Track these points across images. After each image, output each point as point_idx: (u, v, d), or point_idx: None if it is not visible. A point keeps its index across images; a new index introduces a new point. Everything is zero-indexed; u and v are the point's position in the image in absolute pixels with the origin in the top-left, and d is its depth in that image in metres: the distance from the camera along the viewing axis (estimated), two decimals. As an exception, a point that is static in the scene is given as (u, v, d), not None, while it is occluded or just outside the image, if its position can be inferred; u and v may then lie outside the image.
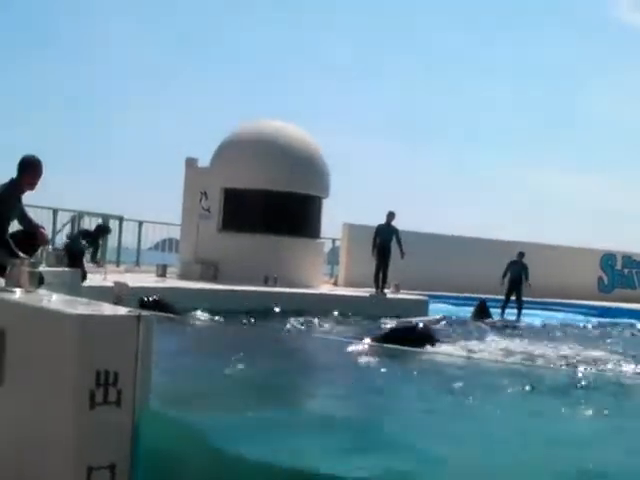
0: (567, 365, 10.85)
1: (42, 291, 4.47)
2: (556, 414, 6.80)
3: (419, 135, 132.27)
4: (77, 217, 22.04)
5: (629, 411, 7.10)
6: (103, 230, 17.64)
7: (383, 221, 20.34)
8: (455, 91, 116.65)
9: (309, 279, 20.48)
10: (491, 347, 12.32)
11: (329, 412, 6.49)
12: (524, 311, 21.09)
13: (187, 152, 22.55)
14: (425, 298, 20.03)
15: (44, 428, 3.47)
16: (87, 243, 15.84)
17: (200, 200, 20.93)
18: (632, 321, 20.63)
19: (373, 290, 19.96)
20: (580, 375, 9.02)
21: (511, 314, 20.80)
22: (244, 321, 13.37)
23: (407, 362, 9.47)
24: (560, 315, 22.45)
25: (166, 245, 26.99)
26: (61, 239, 20.23)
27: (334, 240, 26.82)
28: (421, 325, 12.31)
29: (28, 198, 9.15)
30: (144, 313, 3.48)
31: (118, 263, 23.21)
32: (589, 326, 19.50)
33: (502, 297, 21.15)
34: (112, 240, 21.60)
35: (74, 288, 10.94)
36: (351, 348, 10.48)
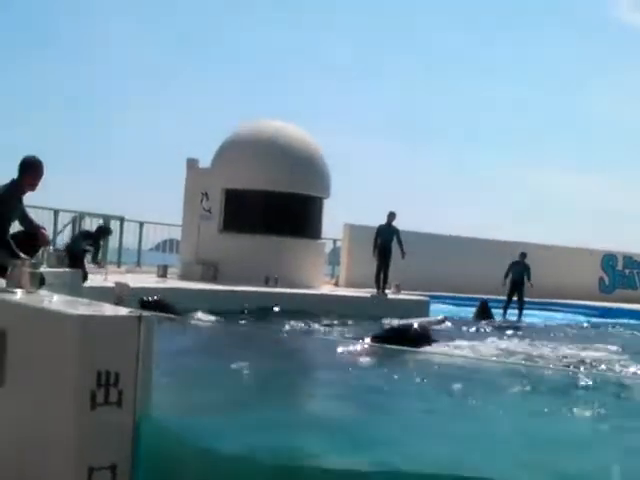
0: (567, 365, 10.85)
1: (43, 292, 4.47)
2: (554, 414, 6.80)
3: (419, 135, 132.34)
4: (78, 218, 22.06)
5: (629, 411, 7.10)
6: (104, 231, 17.63)
7: (384, 221, 20.33)
8: (455, 91, 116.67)
9: (310, 280, 20.47)
10: (491, 347, 12.31)
11: (325, 411, 6.50)
12: (525, 312, 21.08)
13: (188, 153, 22.55)
14: (426, 298, 20.02)
15: (45, 428, 3.47)
16: (88, 244, 15.83)
17: (201, 201, 20.93)
18: (632, 321, 20.63)
19: (374, 290, 19.96)
20: (580, 375, 9.03)
21: (513, 315, 20.80)
22: (242, 322, 13.41)
23: (404, 362, 9.47)
24: (561, 316, 22.47)
25: (167, 246, 27.00)
26: (62, 240, 20.26)
27: (335, 241, 26.83)
28: (416, 325, 12.31)
29: (29, 199, 9.16)
30: (145, 314, 3.49)
31: (119, 264, 23.22)
32: (590, 326, 19.50)
33: (503, 297, 21.15)
34: (113, 241, 21.61)
35: (75, 289, 10.94)
36: (348, 348, 10.50)
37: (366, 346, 10.63)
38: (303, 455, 4.52)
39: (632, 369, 10.74)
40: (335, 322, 15.07)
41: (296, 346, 10.85)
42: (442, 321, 16.69)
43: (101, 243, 17.02)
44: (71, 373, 3.33)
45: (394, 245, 20.03)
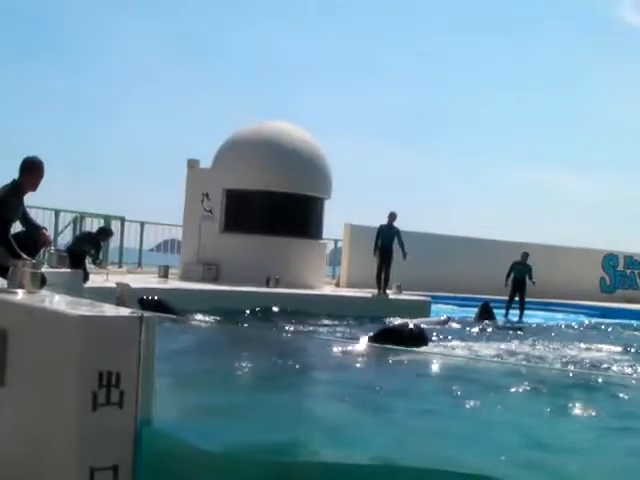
0: (565, 364, 10.85)
1: (44, 292, 4.47)
2: (553, 415, 6.79)
3: (421, 135, 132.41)
4: (79, 218, 22.07)
5: (630, 412, 7.09)
6: (105, 233, 17.64)
7: (385, 222, 20.32)
8: (456, 91, 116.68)
9: (311, 280, 20.47)
10: (489, 348, 12.30)
11: (321, 411, 6.50)
12: (526, 312, 21.07)
13: (189, 153, 22.61)
14: (427, 299, 20.02)
15: (46, 429, 3.47)
16: (89, 245, 15.84)
17: (202, 201, 20.94)
18: (633, 322, 20.61)
19: (375, 291, 19.95)
20: (579, 376, 9.03)
21: (514, 315, 20.80)
22: (241, 323, 13.42)
23: (399, 362, 9.47)
24: (562, 316, 22.46)
25: (168, 246, 26.99)
26: (63, 240, 20.28)
27: (336, 241, 26.84)
28: (412, 325, 12.31)
29: (30, 199, 9.17)
30: (146, 314, 3.48)
31: (120, 264, 23.24)
32: (591, 327, 19.48)
33: (504, 297, 21.13)
34: (114, 241, 21.61)
35: (76, 289, 10.94)
36: (344, 348, 10.51)
37: (362, 346, 10.65)
38: (301, 454, 4.52)
39: (633, 369, 10.74)
40: (336, 322, 15.08)
41: (293, 346, 10.85)
42: (445, 321, 16.71)
43: (102, 244, 17.02)
44: (72, 373, 3.32)
45: (395, 245, 20.02)
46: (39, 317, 3.67)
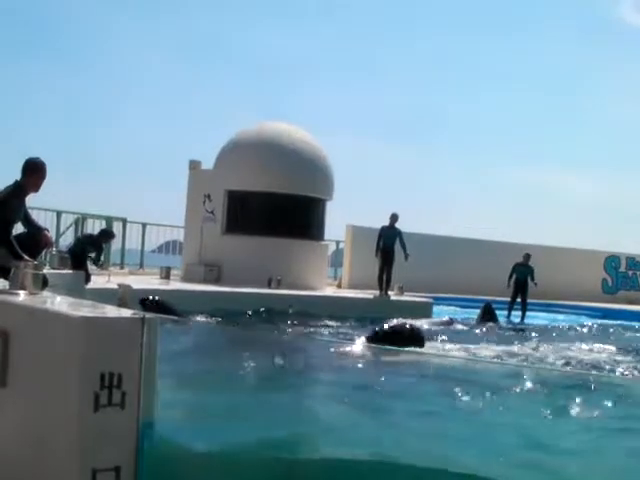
0: (569, 367, 10.84)
1: (46, 293, 4.47)
2: (552, 415, 6.79)
3: (422, 136, 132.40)
4: (80, 219, 22.09)
5: (630, 413, 7.08)
6: (107, 235, 17.65)
7: (386, 223, 20.31)
8: (457, 92, 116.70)
9: (313, 281, 20.46)
10: (489, 349, 12.30)
11: (320, 411, 6.51)
12: (528, 313, 21.06)
13: (190, 154, 22.59)
14: (429, 300, 20.03)
15: (48, 430, 3.46)
16: (91, 247, 15.86)
17: (204, 202, 20.94)
18: (635, 323, 20.59)
19: (377, 292, 19.94)
20: (580, 377, 9.02)
21: (516, 316, 20.79)
22: (239, 323, 13.43)
23: (396, 362, 9.48)
24: (564, 317, 22.45)
25: (170, 247, 26.99)
26: (65, 241, 20.29)
27: (338, 242, 26.84)
28: (408, 326, 12.32)
29: (31, 200, 9.18)
30: (148, 315, 3.48)
31: (122, 265, 23.26)
32: (593, 328, 19.46)
33: (506, 299, 21.12)
34: (116, 242, 21.63)
35: (78, 290, 10.95)
36: (341, 348, 10.53)
37: (359, 346, 10.67)
38: (300, 454, 4.52)
39: (634, 370, 10.73)
40: (338, 323, 15.08)
41: (292, 347, 10.86)
42: (448, 323, 16.73)
43: (103, 246, 17.03)
44: (74, 375, 3.32)
45: (397, 247, 20.01)
46: (41, 318, 3.67)
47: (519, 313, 20.92)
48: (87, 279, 13.81)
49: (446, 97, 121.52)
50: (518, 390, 7.95)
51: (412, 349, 10.36)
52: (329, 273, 25.11)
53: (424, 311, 18.50)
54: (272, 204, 20.63)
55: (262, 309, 15.55)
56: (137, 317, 3.45)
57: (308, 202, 21.08)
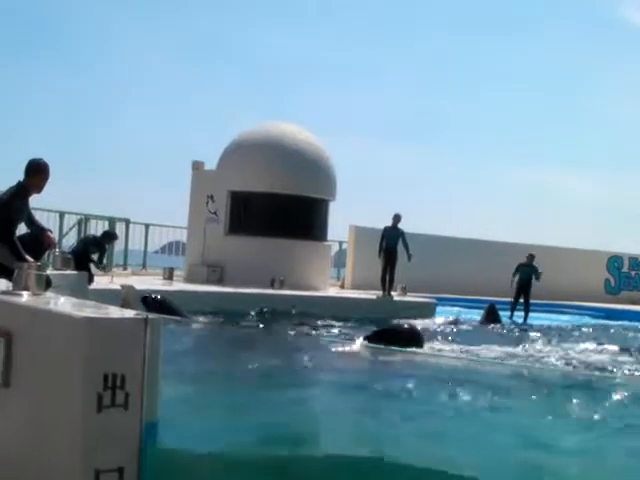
0: (571, 367, 10.83)
1: (49, 294, 4.47)
2: (553, 416, 6.79)
3: (425, 137, 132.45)
4: (83, 220, 22.09)
5: (631, 413, 7.09)
6: (110, 236, 17.67)
7: (389, 223, 20.30)
8: (457, 92, 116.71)
9: (316, 282, 20.46)
10: (495, 349, 12.29)
11: (319, 411, 6.52)
12: (531, 314, 21.04)
13: (193, 155, 22.62)
14: (432, 300, 20.04)
15: (51, 431, 3.47)
16: (94, 248, 15.88)
17: (207, 203, 20.95)
18: (638, 323, 20.57)
19: (380, 292, 19.93)
20: (581, 377, 9.03)
21: (519, 317, 20.76)
22: (241, 324, 13.46)
23: (394, 362, 9.50)
24: (567, 317, 22.43)
25: (173, 248, 27.02)
26: (68, 242, 20.30)
27: (341, 243, 26.84)
28: (406, 326, 12.34)
29: (34, 201, 9.18)
30: (151, 316, 3.48)
31: (125, 266, 23.27)
32: (596, 328, 19.45)
33: (510, 299, 21.09)
34: (119, 243, 21.66)
35: (81, 291, 10.97)
36: (341, 348, 10.55)
37: (358, 346, 10.70)
38: (299, 452, 4.53)
39: (636, 371, 10.72)
40: (341, 324, 15.09)
41: (292, 347, 10.89)
42: (454, 323, 16.76)
43: (106, 248, 17.05)
44: (77, 375, 3.33)
45: (400, 247, 20.00)
46: (44, 319, 3.67)
47: (522, 314, 20.90)
48: (90, 280, 13.82)
49: (446, 97, 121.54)
50: (518, 390, 7.96)
51: (411, 349, 10.39)
52: (332, 274, 25.09)
53: (427, 312, 18.52)
54: (275, 205, 20.63)
55: (265, 310, 15.57)
56: (140, 318, 3.45)
57: (311, 203, 21.08)
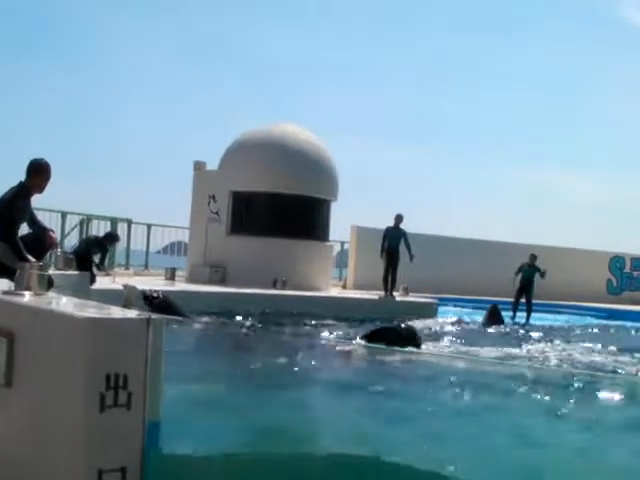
0: (573, 367, 10.82)
1: (51, 294, 4.47)
2: (553, 416, 6.79)
3: (424, 136, 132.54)
4: (85, 220, 22.11)
5: (633, 413, 7.08)
6: (112, 238, 17.67)
7: (391, 224, 20.30)
8: (458, 92, 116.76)
9: (318, 282, 20.46)
10: (497, 350, 12.28)
11: (318, 410, 6.52)
12: (533, 314, 21.02)
13: (195, 155, 22.62)
14: (434, 301, 20.04)
15: (54, 431, 3.47)
16: (96, 249, 15.88)
17: (208, 203, 20.96)
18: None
19: (382, 293, 19.94)
20: (583, 377, 9.02)
21: (522, 317, 20.75)
22: (242, 324, 13.48)
23: (391, 362, 9.50)
24: (569, 317, 22.42)
25: (175, 248, 27.04)
26: (70, 242, 20.32)
27: (343, 243, 26.85)
28: (403, 325, 12.35)
29: (36, 201, 9.19)
30: (154, 316, 3.48)
31: (127, 266, 23.28)
32: (597, 328, 19.45)
33: (510, 299, 21.06)
34: (121, 243, 21.65)
35: (83, 291, 10.97)
36: (340, 347, 10.56)
37: (355, 345, 10.71)
38: (299, 452, 4.53)
39: (638, 372, 10.71)
40: (343, 324, 15.08)
41: (292, 347, 10.90)
42: (457, 323, 16.77)
43: (108, 248, 17.05)
44: (80, 375, 3.32)
45: (402, 247, 20.00)
46: (46, 319, 3.67)
47: (524, 314, 20.88)
48: (92, 280, 13.83)
49: (446, 97, 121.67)
50: (518, 390, 7.96)
51: (409, 349, 10.39)
52: (334, 274, 25.11)
53: (429, 312, 18.53)
54: (277, 205, 20.64)
55: (267, 310, 15.57)
56: (143, 318, 3.45)
57: (313, 203, 21.08)
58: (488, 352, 11.82)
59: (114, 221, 22.78)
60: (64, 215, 21.24)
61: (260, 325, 13.73)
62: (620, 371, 10.54)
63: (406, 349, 10.35)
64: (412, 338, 11.33)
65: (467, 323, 17.43)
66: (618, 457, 5.26)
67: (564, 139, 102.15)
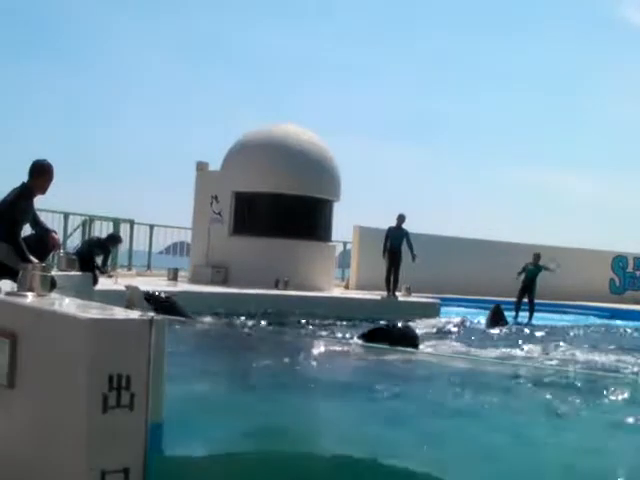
0: (575, 367, 10.82)
1: (54, 295, 4.48)
2: (553, 416, 6.78)
3: (429, 137, 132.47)
4: (88, 221, 22.12)
5: (634, 414, 7.08)
6: (114, 239, 17.67)
7: (394, 224, 20.29)
8: (458, 92, 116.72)
9: (320, 282, 20.46)
10: (500, 349, 12.28)
11: (318, 410, 6.52)
12: (535, 314, 21.00)
13: (197, 156, 22.62)
14: (437, 301, 20.02)
15: (57, 431, 3.47)
16: (98, 250, 15.89)
17: (211, 204, 20.96)
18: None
19: (384, 293, 19.93)
20: (584, 377, 9.01)
21: (524, 317, 20.72)
22: (244, 324, 13.49)
23: (389, 361, 9.50)
24: (571, 317, 22.39)
25: (177, 249, 27.03)
26: (72, 243, 20.32)
27: (345, 243, 26.83)
28: (401, 325, 12.34)
29: (39, 202, 9.19)
30: (156, 317, 3.49)
31: (129, 267, 23.29)
32: (600, 328, 19.44)
33: (513, 299, 21.04)
34: (123, 244, 21.64)
35: (86, 292, 10.97)
36: (339, 348, 10.56)
37: (353, 345, 10.71)
38: (298, 451, 4.54)
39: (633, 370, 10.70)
40: (344, 324, 15.09)
41: (292, 347, 10.90)
42: (462, 323, 16.75)
43: (111, 250, 17.06)
44: (83, 376, 3.33)
45: (404, 247, 19.99)
46: (49, 320, 3.68)
47: (527, 314, 20.86)
48: (95, 281, 13.83)
49: (446, 97, 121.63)
50: (518, 390, 7.95)
51: (409, 349, 10.38)
52: (336, 274, 25.08)
53: (432, 312, 18.52)
54: (279, 205, 20.63)
55: (270, 310, 15.57)
56: (145, 318, 3.45)
57: (315, 203, 21.08)
58: (488, 352, 11.82)
59: (117, 222, 22.79)
60: (66, 216, 21.24)
61: (264, 322, 13.75)
62: (622, 371, 10.53)
63: (406, 349, 10.34)
64: (410, 338, 11.32)
65: (470, 323, 17.41)
66: (619, 457, 5.26)
67: (564, 139, 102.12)
